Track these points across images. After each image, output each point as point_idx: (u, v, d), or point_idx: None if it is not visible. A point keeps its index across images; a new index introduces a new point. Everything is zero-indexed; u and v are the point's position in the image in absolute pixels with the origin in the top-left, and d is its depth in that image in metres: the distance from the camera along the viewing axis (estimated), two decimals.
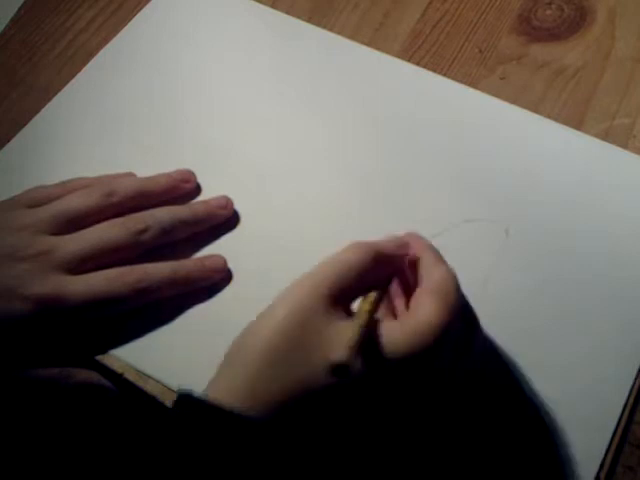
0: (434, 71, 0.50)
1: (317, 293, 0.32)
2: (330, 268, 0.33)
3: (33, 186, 0.43)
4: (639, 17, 0.52)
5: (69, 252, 0.39)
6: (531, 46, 0.52)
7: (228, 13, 0.54)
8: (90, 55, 0.52)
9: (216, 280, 0.42)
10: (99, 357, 0.40)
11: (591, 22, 0.52)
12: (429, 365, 0.32)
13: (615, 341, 0.40)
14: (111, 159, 0.47)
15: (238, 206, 0.45)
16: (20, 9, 0.55)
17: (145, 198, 0.43)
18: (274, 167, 0.46)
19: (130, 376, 0.39)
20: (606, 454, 0.37)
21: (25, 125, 0.48)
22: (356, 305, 0.34)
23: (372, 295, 0.33)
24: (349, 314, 0.33)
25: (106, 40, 0.52)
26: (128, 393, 0.39)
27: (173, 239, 0.42)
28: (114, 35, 0.53)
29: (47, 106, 0.49)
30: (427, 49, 0.52)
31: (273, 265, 0.42)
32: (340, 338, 0.31)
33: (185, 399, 0.31)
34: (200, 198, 0.45)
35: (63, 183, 0.43)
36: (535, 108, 0.48)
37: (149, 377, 0.39)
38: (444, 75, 0.50)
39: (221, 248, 0.43)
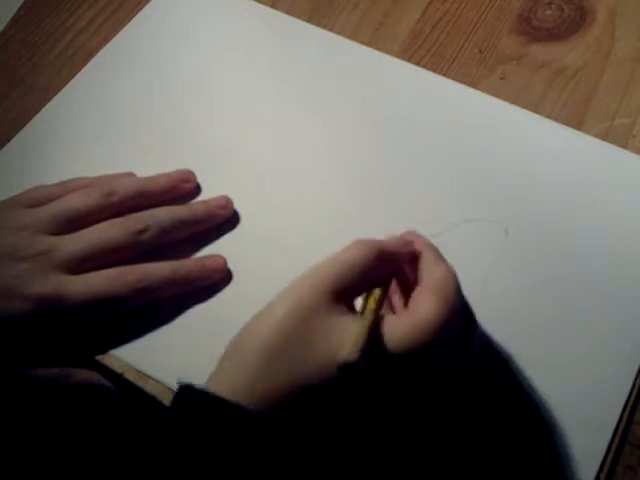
0: (434, 71, 0.50)
1: (318, 291, 0.32)
2: (331, 266, 0.33)
3: (33, 186, 0.43)
4: (639, 17, 0.52)
5: (69, 252, 0.39)
6: (531, 46, 0.52)
7: (228, 13, 0.54)
8: (90, 55, 0.52)
9: (216, 280, 0.42)
10: (99, 357, 0.40)
11: (591, 22, 0.52)
12: (429, 362, 0.32)
13: (615, 341, 0.40)
14: (111, 159, 0.47)
15: (238, 206, 0.45)
16: (20, 9, 0.55)
17: (145, 198, 0.43)
18: (274, 167, 0.46)
19: (130, 376, 0.39)
20: (606, 454, 0.37)
21: (25, 125, 0.48)
22: (359, 302, 0.34)
23: (377, 292, 0.34)
24: (351, 310, 0.33)
25: (106, 40, 0.52)
26: (128, 393, 0.39)
27: (173, 239, 0.42)
28: (114, 35, 0.53)
29: (47, 106, 0.49)
30: (427, 49, 0.52)
31: (273, 265, 0.42)
32: (345, 335, 0.31)
33: (186, 391, 0.31)
34: (200, 198, 0.45)
35: (63, 183, 0.43)
36: (535, 108, 0.48)
37: (149, 377, 0.39)
38: (444, 75, 0.50)
39: (221, 248, 0.43)
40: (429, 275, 0.35)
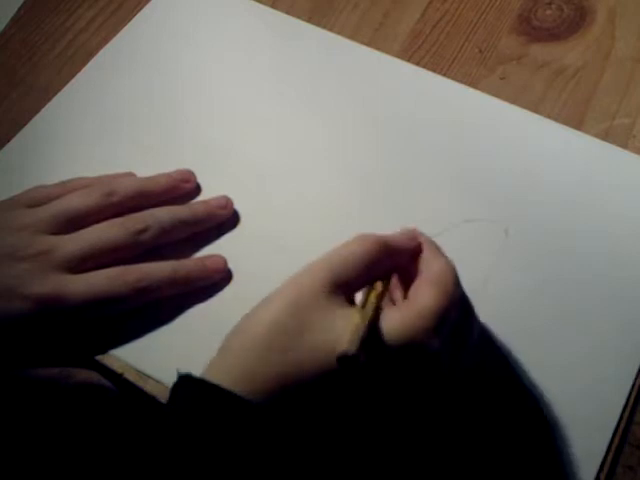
0: (434, 71, 0.50)
1: (318, 283, 0.32)
2: (330, 261, 0.33)
3: (33, 186, 0.43)
4: (639, 17, 0.52)
5: (69, 252, 0.39)
6: (531, 46, 0.52)
7: (228, 13, 0.54)
8: (90, 55, 0.52)
9: (216, 280, 0.42)
10: (99, 357, 0.40)
11: (591, 22, 0.52)
12: (428, 352, 0.32)
13: (615, 341, 0.40)
14: (111, 159, 0.47)
15: (238, 206, 0.45)
16: (20, 9, 0.55)
17: (145, 198, 0.43)
18: (274, 167, 0.46)
19: (130, 376, 0.39)
20: (606, 454, 0.37)
21: (25, 125, 0.48)
22: (360, 294, 0.34)
23: (379, 286, 0.34)
24: (351, 302, 0.33)
25: (106, 40, 0.52)
26: (128, 393, 0.39)
27: (173, 239, 0.42)
28: (114, 35, 0.53)
29: (47, 106, 0.49)
30: (427, 49, 0.52)
31: (273, 265, 0.42)
32: (345, 326, 0.31)
33: (185, 381, 0.31)
34: (200, 198, 0.45)
35: (63, 183, 0.43)
36: (535, 108, 0.48)
37: (149, 377, 0.39)
38: (444, 75, 0.50)
39: (221, 248, 0.43)
40: (428, 268, 0.35)
